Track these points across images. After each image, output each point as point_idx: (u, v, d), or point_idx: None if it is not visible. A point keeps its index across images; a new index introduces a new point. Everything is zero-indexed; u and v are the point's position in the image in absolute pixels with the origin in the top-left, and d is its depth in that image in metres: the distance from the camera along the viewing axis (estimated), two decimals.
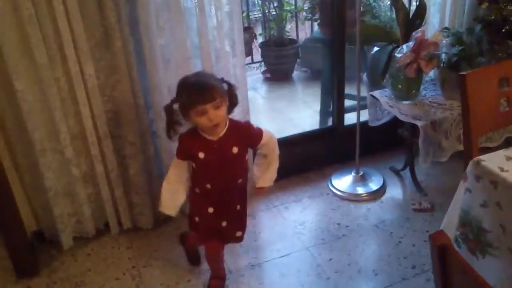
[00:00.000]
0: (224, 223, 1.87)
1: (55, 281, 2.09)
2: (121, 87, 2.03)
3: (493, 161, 1.42)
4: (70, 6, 1.82)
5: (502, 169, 1.37)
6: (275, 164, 1.88)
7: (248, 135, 1.78)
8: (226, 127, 1.72)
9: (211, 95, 1.61)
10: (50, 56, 1.88)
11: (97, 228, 2.33)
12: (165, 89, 2.09)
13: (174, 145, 2.19)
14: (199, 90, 1.61)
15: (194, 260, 2.15)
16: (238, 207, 1.87)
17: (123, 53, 1.97)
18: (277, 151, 1.87)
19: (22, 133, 1.99)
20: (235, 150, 1.72)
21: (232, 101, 1.73)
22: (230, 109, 1.74)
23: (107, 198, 2.23)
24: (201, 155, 1.71)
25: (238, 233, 1.93)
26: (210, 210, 1.83)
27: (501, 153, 1.47)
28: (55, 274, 2.13)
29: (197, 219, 1.88)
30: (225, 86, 1.71)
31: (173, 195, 1.82)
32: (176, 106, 1.70)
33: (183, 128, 1.78)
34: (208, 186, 1.78)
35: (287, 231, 2.34)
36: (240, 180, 1.81)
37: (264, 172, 1.88)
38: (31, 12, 1.77)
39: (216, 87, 1.64)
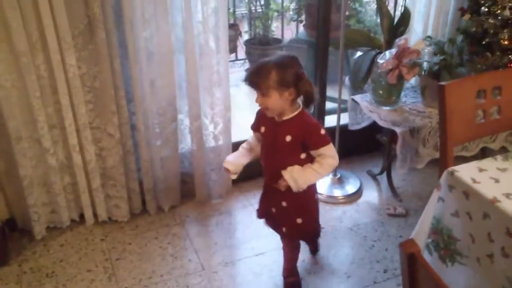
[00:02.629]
0: (273, 209, 1.89)
1: (25, 271, 2.07)
2: (103, 78, 2.01)
3: (466, 172, 1.45)
4: None
5: (474, 181, 1.41)
6: (313, 173, 1.70)
7: (306, 132, 1.69)
8: (292, 115, 1.68)
9: (254, 83, 1.65)
10: (31, 43, 1.85)
11: (72, 219, 2.31)
12: (147, 82, 2.08)
13: (154, 139, 2.19)
14: (248, 73, 1.67)
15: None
16: (284, 204, 1.81)
17: (106, 44, 1.95)
18: (327, 169, 1.72)
19: None
20: (288, 138, 1.69)
21: (304, 95, 1.66)
22: (305, 104, 1.69)
23: (84, 189, 2.21)
24: (262, 129, 1.78)
25: (284, 229, 1.89)
26: (264, 189, 1.89)
27: (474, 164, 1.50)
28: (26, 264, 2.11)
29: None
30: (290, 78, 1.62)
31: (239, 155, 1.85)
32: None
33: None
34: (262, 163, 1.83)
35: (262, 230, 2.33)
36: None
37: (299, 169, 1.71)
38: None
39: (262, 78, 1.61)
